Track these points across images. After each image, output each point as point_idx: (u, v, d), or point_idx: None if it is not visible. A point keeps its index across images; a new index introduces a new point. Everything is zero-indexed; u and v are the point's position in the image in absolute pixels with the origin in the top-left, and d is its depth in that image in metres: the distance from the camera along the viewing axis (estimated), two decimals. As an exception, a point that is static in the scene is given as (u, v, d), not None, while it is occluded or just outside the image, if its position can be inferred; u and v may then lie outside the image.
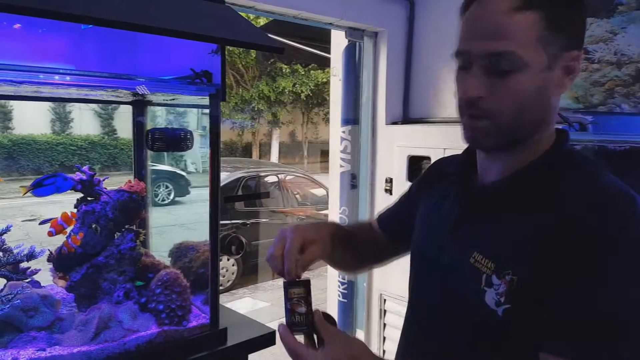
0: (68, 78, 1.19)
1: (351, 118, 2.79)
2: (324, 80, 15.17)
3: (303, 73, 14.87)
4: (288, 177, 7.16)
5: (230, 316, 1.53)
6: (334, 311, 2.88)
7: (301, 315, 0.79)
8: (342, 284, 2.88)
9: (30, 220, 6.96)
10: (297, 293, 0.79)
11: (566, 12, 0.72)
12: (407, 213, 1.01)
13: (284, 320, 0.81)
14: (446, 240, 0.83)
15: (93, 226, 1.33)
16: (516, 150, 0.77)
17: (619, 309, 0.63)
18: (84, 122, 13.72)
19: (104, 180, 1.41)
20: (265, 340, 1.40)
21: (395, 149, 2.69)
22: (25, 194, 1.31)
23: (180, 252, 1.59)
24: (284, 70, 14.87)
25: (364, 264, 1.18)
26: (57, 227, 1.33)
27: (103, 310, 1.24)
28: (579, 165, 0.75)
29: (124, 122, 14.31)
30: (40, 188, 1.31)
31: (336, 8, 2.49)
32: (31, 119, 12.66)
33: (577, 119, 2.16)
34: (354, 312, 2.87)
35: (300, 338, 0.79)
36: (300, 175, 7.79)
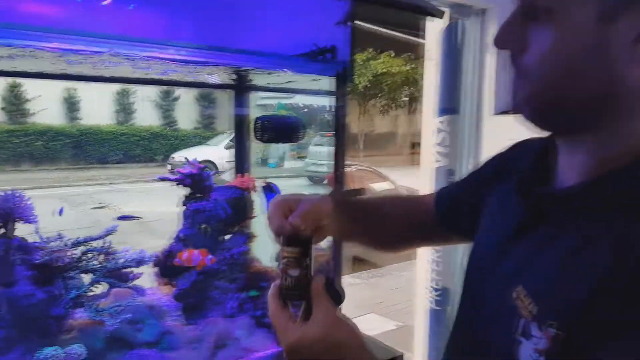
0: (184, 52, 1.01)
1: (450, 107, 2.52)
2: (383, 70, 14.78)
3: (361, 63, 14.55)
4: (351, 170, 6.95)
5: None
6: (424, 320, 2.64)
7: (292, 278, 0.65)
8: (436, 290, 2.63)
9: (99, 207, 7.11)
10: (290, 252, 0.65)
11: None
12: (466, 201, 0.80)
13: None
14: (495, 261, 0.63)
15: (202, 227, 1.15)
16: (599, 139, 0.53)
17: None
18: (146, 113, 14.03)
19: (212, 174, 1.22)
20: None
21: (507, 143, 2.39)
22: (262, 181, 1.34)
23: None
24: (341, 61, 14.61)
25: (400, 243, 0.94)
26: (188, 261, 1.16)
27: (219, 326, 1.06)
28: None
29: (183, 113, 14.56)
30: (268, 191, 1.30)
31: (440, -17, 2.23)
32: (97, 109, 13.06)
33: None
34: (450, 322, 2.61)
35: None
36: (363, 168, 7.56)
